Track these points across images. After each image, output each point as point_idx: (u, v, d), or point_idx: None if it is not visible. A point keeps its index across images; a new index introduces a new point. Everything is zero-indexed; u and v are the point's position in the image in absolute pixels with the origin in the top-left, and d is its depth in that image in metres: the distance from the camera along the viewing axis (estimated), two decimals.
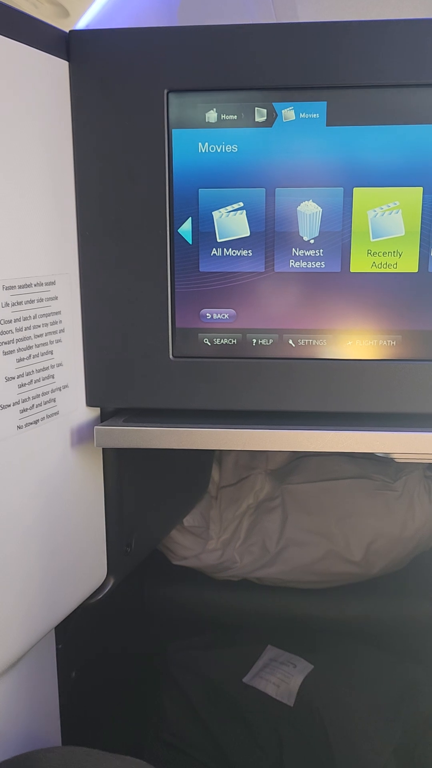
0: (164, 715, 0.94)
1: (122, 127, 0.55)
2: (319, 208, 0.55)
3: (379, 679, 0.93)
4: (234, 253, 0.56)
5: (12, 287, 0.49)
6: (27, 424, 0.52)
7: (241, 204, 0.55)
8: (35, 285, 0.52)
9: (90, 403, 0.60)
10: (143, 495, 0.71)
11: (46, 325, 0.54)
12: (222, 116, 0.54)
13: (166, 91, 0.54)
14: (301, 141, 0.54)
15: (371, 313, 0.56)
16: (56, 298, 0.55)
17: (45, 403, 0.54)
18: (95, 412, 0.61)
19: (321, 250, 0.55)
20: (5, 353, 0.49)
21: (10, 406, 0.50)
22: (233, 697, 0.92)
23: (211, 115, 0.54)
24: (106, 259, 0.57)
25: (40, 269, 0.52)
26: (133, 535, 0.69)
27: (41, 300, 0.53)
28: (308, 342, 0.57)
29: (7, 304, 0.49)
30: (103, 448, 0.62)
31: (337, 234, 0.55)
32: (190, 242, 0.56)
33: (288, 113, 0.54)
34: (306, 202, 0.55)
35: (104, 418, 0.61)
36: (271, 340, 0.58)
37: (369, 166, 0.54)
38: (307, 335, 0.57)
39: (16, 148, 0.49)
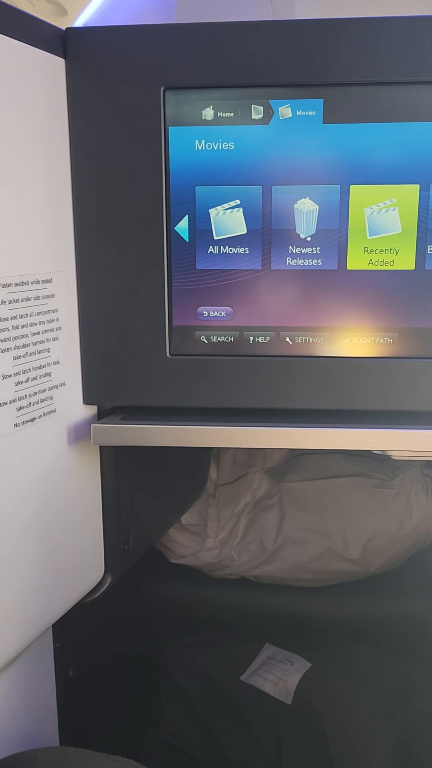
0: (162, 713, 0.94)
1: (119, 125, 0.55)
2: (316, 205, 0.55)
3: (376, 676, 0.93)
4: (231, 250, 0.56)
5: (9, 285, 0.49)
6: (24, 422, 0.52)
7: (238, 201, 0.55)
8: (32, 282, 0.52)
9: (87, 400, 0.60)
10: (140, 493, 0.71)
11: (43, 322, 0.54)
12: (219, 114, 0.54)
13: (162, 89, 0.54)
14: (298, 138, 0.54)
15: (368, 310, 0.56)
16: (53, 295, 0.55)
17: (42, 401, 0.54)
18: (92, 410, 0.61)
19: (318, 248, 0.55)
20: (2, 351, 0.49)
21: (6, 404, 0.50)
22: (231, 695, 0.92)
23: (208, 113, 0.54)
24: (102, 257, 0.57)
25: (37, 267, 0.52)
26: (131, 533, 0.69)
27: (38, 298, 0.53)
28: (305, 339, 0.57)
29: (3, 302, 0.49)
30: (100, 446, 0.62)
31: (334, 231, 0.55)
32: (187, 240, 0.56)
33: (285, 111, 0.54)
34: (303, 199, 0.55)
35: (101, 416, 0.61)
36: (268, 338, 0.58)
37: (366, 164, 0.54)
38: (304, 333, 0.57)
39: (13, 146, 0.49)
